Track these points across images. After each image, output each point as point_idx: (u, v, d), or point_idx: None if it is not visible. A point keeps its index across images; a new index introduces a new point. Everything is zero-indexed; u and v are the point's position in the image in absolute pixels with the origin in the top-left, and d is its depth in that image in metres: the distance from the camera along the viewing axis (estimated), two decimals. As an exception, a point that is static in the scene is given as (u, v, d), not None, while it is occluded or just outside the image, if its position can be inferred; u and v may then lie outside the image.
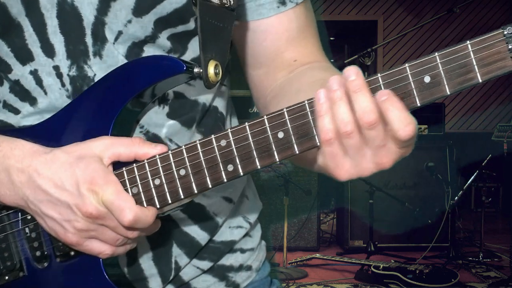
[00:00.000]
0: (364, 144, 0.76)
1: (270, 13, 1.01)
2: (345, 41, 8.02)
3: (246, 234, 1.13)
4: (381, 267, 4.19)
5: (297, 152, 0.80)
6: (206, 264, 1.07)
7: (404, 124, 0.72)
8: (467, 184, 4.82)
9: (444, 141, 5.24)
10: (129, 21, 0.91)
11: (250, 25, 1.03)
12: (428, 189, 5.07)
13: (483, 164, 4.80)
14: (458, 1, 5.48)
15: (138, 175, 0.86)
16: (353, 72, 0.74)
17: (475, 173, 4.81)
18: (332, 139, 0.76)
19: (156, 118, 0.96)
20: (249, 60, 1.07)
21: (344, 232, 5.14)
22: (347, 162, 0.77)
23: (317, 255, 4.74)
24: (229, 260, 1.10)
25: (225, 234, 1.09)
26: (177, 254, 1.02)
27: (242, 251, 1.12)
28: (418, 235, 4.99)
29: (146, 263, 1.01)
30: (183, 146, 0.85)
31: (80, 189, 0.83)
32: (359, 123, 0.74)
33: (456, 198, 4.80)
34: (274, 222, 4.74)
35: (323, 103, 0.76)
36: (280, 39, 1.03)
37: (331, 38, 8.06)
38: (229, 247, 1.10)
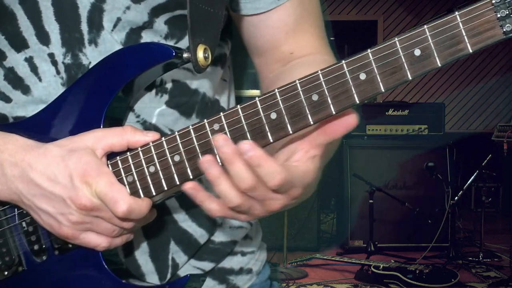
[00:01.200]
0: (251, 201, 0.80)
1: (270, 6, 1.01)
2: (345, 41, 8.00)
3: (247, 236, 1.13)
4: (381, 267, 4.18)
5: (291, 132, 0.80)
6: (206, 265, 1.06)
7: (272, 176, 0.76)
8: (467, 184, 4.81)
9: (444, 141, 5.24)
10: (128, 8, 0.91)
11: (252, 19, 1.03)
12: (428, 189, 5.06)
13: (483, 164, 4.79)
14: (458, 1, 5.48)
15: (132, 163, 0.86)
16: (223, 142, 0.77)
17: (475, 173, 4.80)
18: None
19: (154, 107, 0.96)
20: (251, 49, 1.09)
21: (344, 232, 5.13)
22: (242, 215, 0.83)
23: (317, 255, 4.72)
24: (229, 263, 1.10)
25: (225, 234, 1.08)
26: (175, 251, 1.02)
27: (243, 253, 1.12)
28: (418, 235, 4.98)
29: (143, 259, 1.00)
30: (176, 132, 0.84)
31: (73, 182, 0.82)
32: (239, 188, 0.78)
33: (456, 198, 4.79)
34: (274, 222, 4.73)
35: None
36: (280, 32, 1.04)
37: (331, 38, 8.03)
38: (230, 247, 1.09)
